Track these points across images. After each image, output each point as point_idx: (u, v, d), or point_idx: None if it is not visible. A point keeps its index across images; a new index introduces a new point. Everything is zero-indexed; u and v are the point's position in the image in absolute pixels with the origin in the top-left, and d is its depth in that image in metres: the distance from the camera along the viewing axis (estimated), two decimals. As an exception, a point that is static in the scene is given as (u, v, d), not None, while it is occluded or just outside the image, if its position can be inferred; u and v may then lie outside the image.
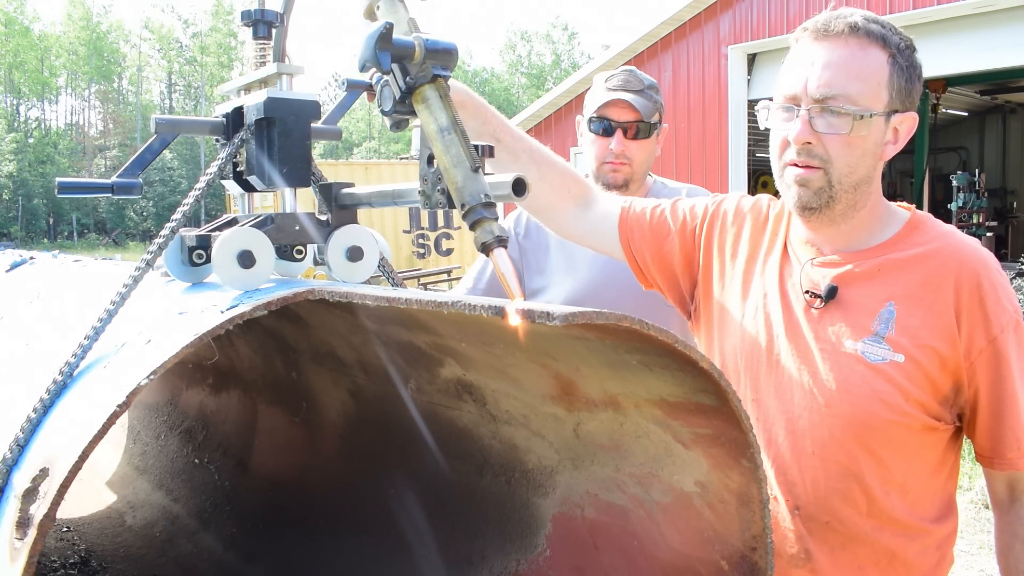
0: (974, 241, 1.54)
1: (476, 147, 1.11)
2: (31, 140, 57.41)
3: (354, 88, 1.46)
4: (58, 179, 1.31)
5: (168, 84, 67.74)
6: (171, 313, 1.15)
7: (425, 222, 15.52)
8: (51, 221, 52.89)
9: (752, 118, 13.16)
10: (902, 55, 1.47)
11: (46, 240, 49.80)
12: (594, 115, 2.41)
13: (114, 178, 1.29)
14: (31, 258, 2.09)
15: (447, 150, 1.11)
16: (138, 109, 63.35)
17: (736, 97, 13.09)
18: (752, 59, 13.20)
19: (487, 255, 1.06)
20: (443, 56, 1.15)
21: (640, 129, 2.38)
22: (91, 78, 63.19)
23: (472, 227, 1.08)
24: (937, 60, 10.69)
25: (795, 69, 1.50)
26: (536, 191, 1.79)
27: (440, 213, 15.39)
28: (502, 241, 1.06)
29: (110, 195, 1.29)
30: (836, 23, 1.46)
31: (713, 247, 1.76)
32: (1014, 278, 10.40)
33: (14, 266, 2.03)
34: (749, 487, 1.09)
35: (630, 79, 2.42)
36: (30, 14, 61.15)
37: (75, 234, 52.06)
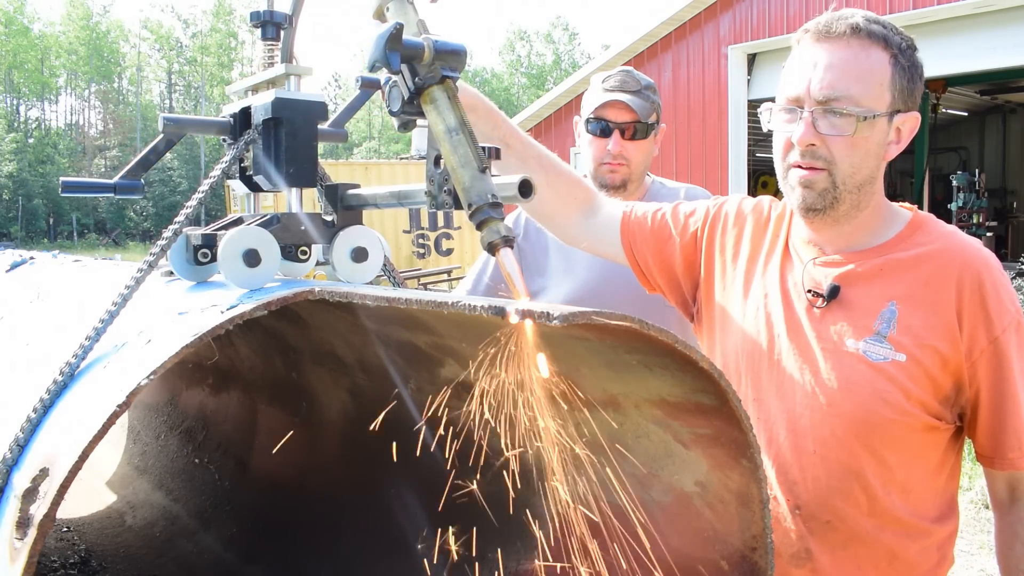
0: (976, 241, 1.55)
1: (483, 148, 1.12)
2: (31, 140, 57.39)
3: (368, 87, 1.46)
4: (62, 179, 1.33)
5: (168, 84, 67.75)
6: (171, 313, 1.15)
7: (425, 222, 15.51)
8: (51, 221, 52.86)
9: (752, 118, 13.18)
10: (904, 55, 1.47)
11: (46, 240, 49.75)
12: (591, 116, 2.41)
13: (117, 179, 1.30)
14: (31, 258, 2.09)
15: (455, 150, 1.11)
16: (138, 109, 63.35)
17: (736, 97, 13.09)
18: (752, 59, 13.20)
19: (493, 255, 1.07)
20: (452, 57, 1.15)
21: (637, 130, 2.38)
22: (91, 78, 63.20)
23: (479, 227, 1.08)
24: (937, 60, 10.69)
25: (797, 71, 1.49)
26: (542, 197, 1.81)
27: (440, 213, 15.38)
28: (508, 241, 1.06)
29: (112, 195, 1.30)
30: (838, 24, 1.46)
31: (715, 249, 1.76)
32: (1014, 278, 10.42)
33: (14, 266, 2.03)
34: (749, 487, 1.09)
35: (627, 80, 2.42)
36: (30, 14, 61.15)
37: (75, 234, 52.02)
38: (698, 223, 1.80)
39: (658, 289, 1.85)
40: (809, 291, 1.57)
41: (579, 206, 1.86)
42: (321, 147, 1.44)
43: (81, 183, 1.32)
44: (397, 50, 1.10)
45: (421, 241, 15.58)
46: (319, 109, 1.37)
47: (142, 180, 1.33)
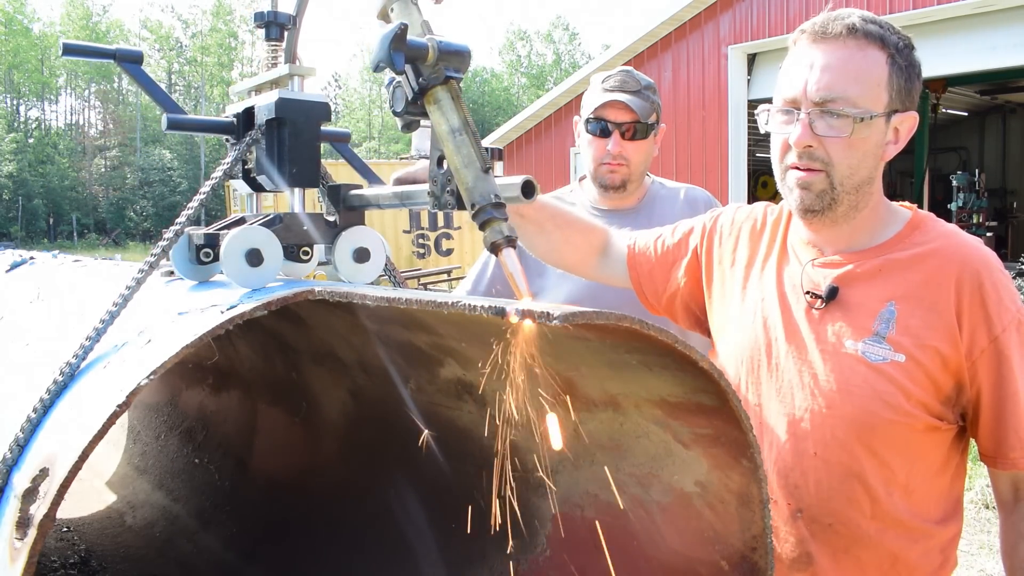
0: (976, 240, 1.54)
1: (486, 149, 1.12)
2: (31, 140, 57.34)
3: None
4: (63, 41, 1.36)
5: (168, 84, 67.67)
6: (171, 313, 1.15)
7: (425, 222, 15.50)
8: (51, 221, 52.76)
9: (752, 118, 13.16)
10: (901, 55, 1.47)
11: (46, 240, 49.66)
12: (591, 116, 2.40)
13: (119, 46, 1.34)
14: (31, 258, 2.09)
15: (458, 151, 1.12)
16: (138, 109, 63.25)
17: (736, 97, 13.09)
18: (752, 59, 13.19)
19: (496, 255, 1.08)
20: (455, 58, 1.15)
21: (637, 130, 2.38)
22: (91, 78, 63.15)
23: (482, 227, 1.09)
24: (937, 60, 10.69)
25: (794, 72, 1.49)
26: (563, 253, 1.87)
27: (440, 213, 15.33)
28: (511, 241, 1.07)
29: (112, 60, 1.34)
30: (834, 25, 1.46)
31: (714, 260, 1.78)
32: (1015, 277, 10.41)
33: (14, 266, 2.03)
34: (749, 487, 1.09)
35: (627, 80, 2.42)
36: (30, 14, 61.09)
37: (75, 234, 51.93)
38: (697, 239, 1.82)
39: (669, 315, 1.88)
40: (808, 292, 1.56)
41: (595, 251, 1.91)
42: (322, 147, 1.45)
43: (82, 46, 1.36)
44: (401, 50, 1.10)
45: (421, 241, 15.57)
46: (322, 109, 1.37)
47: (141, 52, 1.36)
